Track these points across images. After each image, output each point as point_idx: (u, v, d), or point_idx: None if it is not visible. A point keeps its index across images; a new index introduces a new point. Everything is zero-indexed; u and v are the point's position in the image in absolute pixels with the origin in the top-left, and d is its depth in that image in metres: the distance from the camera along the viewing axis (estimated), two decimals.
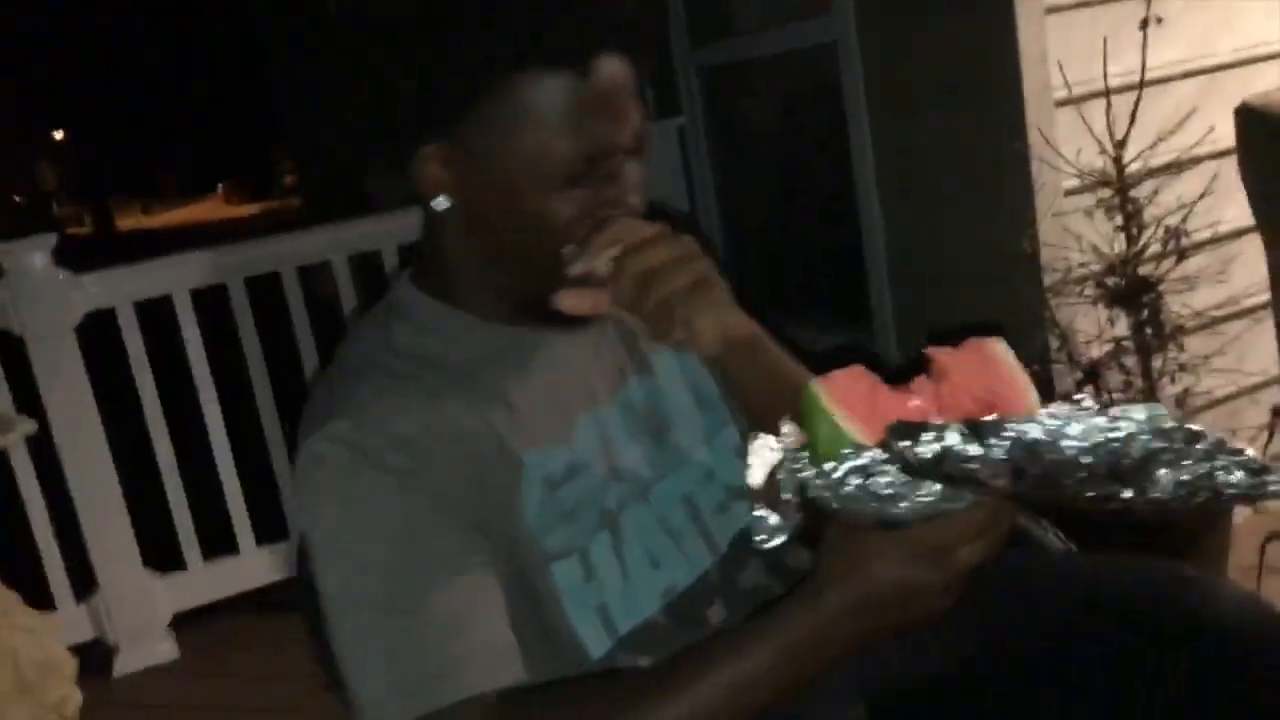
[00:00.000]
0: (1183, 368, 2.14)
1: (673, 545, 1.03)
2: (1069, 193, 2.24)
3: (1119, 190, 2.10)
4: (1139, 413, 0.66)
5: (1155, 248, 2.12)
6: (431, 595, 0.88)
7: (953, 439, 0.68)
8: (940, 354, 0.77)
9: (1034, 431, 0.66)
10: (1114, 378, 2.17)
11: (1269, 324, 2.12)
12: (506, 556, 0.94)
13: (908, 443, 0.69)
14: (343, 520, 0.92)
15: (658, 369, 1.09)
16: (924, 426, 0.69)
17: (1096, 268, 2.14)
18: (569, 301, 0.93)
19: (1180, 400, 2.16)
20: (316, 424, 0.94)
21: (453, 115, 0.92)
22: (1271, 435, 1.93)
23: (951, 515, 0.73)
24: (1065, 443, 0.66)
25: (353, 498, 0.92)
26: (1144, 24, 2.01)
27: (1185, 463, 0.65)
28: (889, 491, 0.71)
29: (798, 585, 0.83)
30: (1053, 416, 0.67)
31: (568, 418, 1.01)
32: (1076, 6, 2.25)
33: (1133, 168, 2.11)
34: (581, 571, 0.98)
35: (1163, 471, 0.65)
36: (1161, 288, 2.11)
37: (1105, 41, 2.09)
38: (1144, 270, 2.11)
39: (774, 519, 0.76)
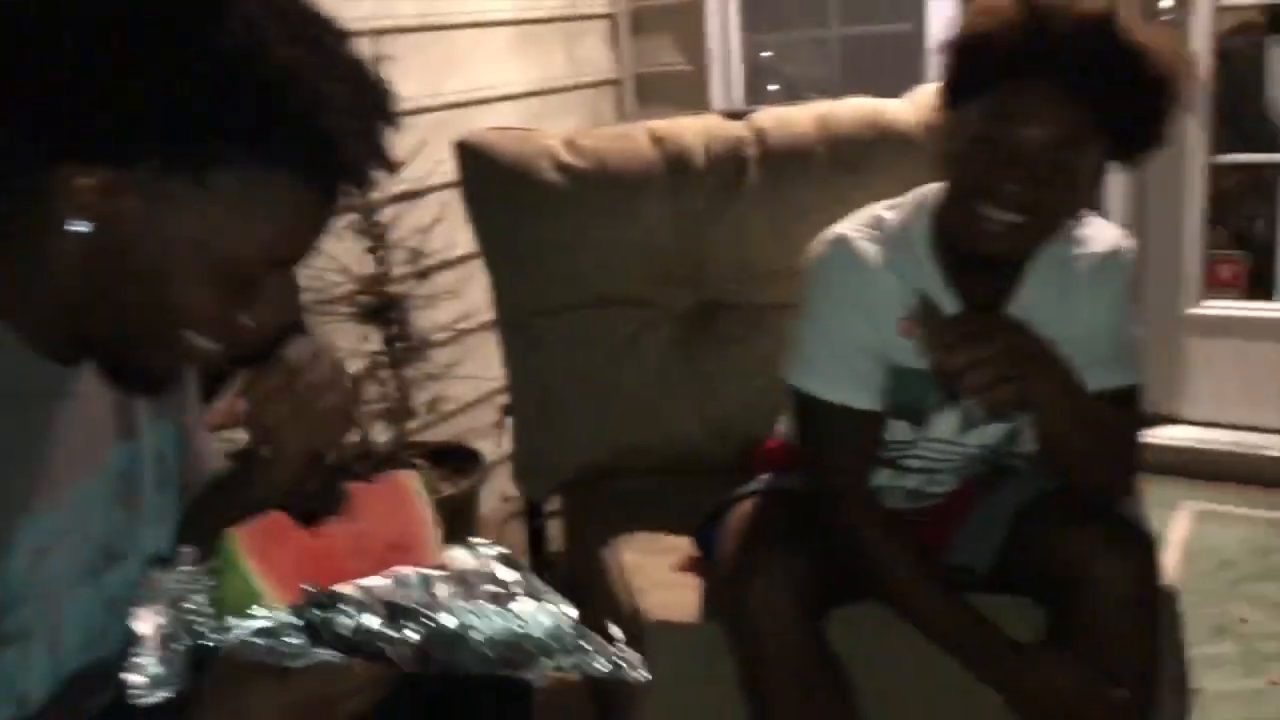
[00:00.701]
0: (431, 377, 2.35)
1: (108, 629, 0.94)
2: None
3: (364, 214, 2.24)
4: (545, 619, 0.73)
5: (401, 268, 2.30)
6: None
7: (369, 621, 0.70)
8: (357, 490, 0.80)
9: (448, 623, 0.71)
10: (372, 389, 2.32)
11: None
12: None
13: (320, 613, 0.70)
14: None
15: (144, 435, 0.97)
16: (341, 598, 0.71)
17: (350, 287, 2.27)
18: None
19: (431, 406, 2.37)
20: None
21: (169, 159, 0.76)
22: (503, 430, 2.21)
23: (338, 670, 0.72)
24: (473, 636, 0.71)
25: None
26: (375, 61, 2.16)
27: (565, 656, 0.73)
28: (288, 652, 0.71)
29: None
30: (467, 608, 0.72)
31: (61, 480, 0.87)
32: None
33: (377, 194, 2.27)
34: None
35: (546, 661, 0.73)
36: (408, 305, 2.30)
37: None
38: (392, 289, 2.29)
39: (155, 668, 0.70)
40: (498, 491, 2.73)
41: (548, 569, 2.00)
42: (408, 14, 2.59)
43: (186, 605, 0.73)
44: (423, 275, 2.32)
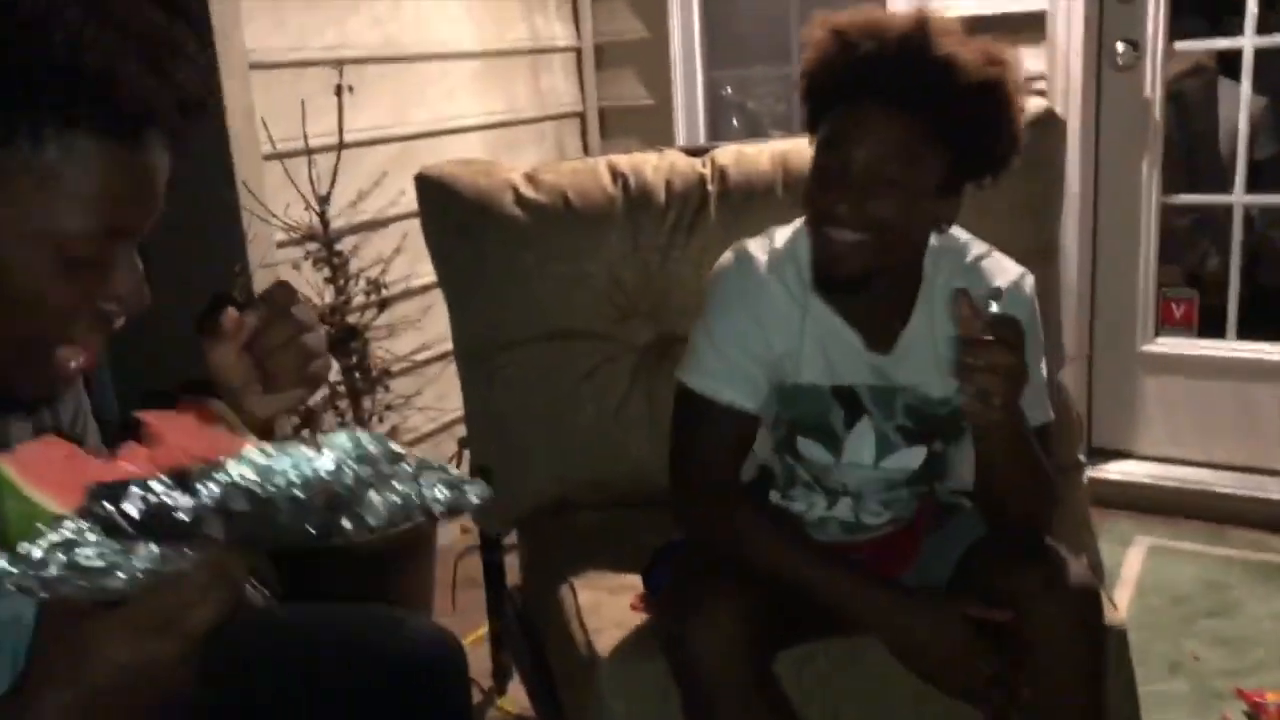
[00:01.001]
0: (390, 407, 2.34)
1: None
2: (280, 245, 2.33)
3: (325, 244, 2.24)
4: (343, 440, 0.68)
5: (360, 298, 2.29)
6: None
7: (159, 489, 0.64)
8: (151, 417, 0.74)
9: (243, 470, 0.65)
10: (329, 420, 2.30)
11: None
12: None
13: (110, 504, 0.64)
14: None
15: None
16: (126, 484, 0.64)
17: None
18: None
19: (389, 436, 2.35)
20: None
21: None
22: (459, 464, 2.20)
23: (175, 579, 0.67)
24: (275, 479, 0.65)
25: None
26: (338, 90, 2.17)
27: (395, 484, 0.68)
28: (100, 564, 0.63)
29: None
30: (262, 453, 0.66)
31: None
32: (279, 66, 2.35)
33: (337, 223, 2.26)
34: None
35: (374, 495, 0.68)
36: (368, 335, 2.29)
37: (303, 103, 2.22)
38: (352, 319, 2.28)
39: None
40: (456, 524, 2.71)
41: (505, 603, 1.98)
42: (372, 44, 2.59)
43: None
44: (383, 305, 2.31)
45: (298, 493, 0.66)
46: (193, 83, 0.80)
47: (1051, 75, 2.76)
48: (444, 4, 2.82)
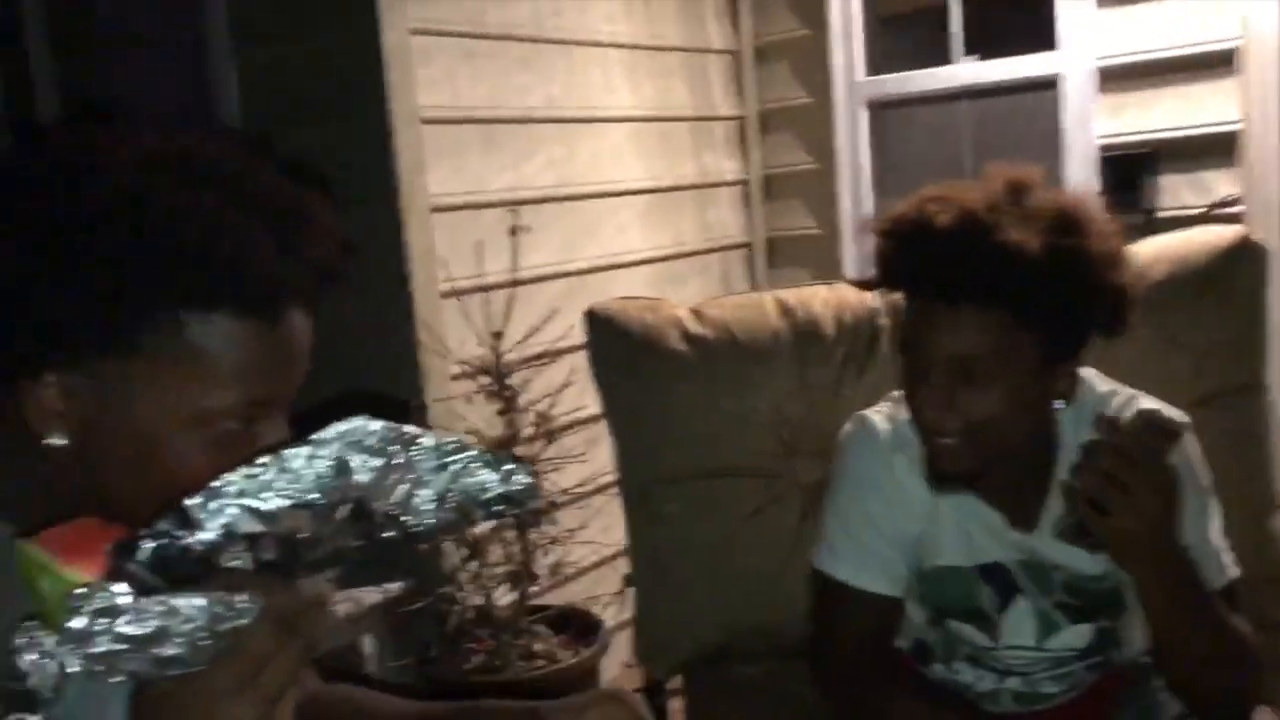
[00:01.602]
0: (554, 540, 2.33)
1: None
2: (454, 378, 2.39)
3: (497, 378, 2.28)
4: (335, 432, 0.65)
5: (529, 430, 2.32)
6: None
7: (167, 529, 0.63)
8: None
9: (241, 488, 0.64)
10: (496, 552, 2.31)
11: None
12: None
13: (129, 559, 0.62)
14: None
15: None
16: (137, 536, 0.63)
17: None
18: None
19: (554, 570, 2.35)
20: None
21: (101, 345, 0.75)
22: (624, 600, 2.16)
23: (239, 636, 0.63)
24: (278, 491, 0.63)
25: None
26: (513, 231, 2.24)
27: (423, 475, 0.66)
28: (148, 630, 0.60)
29: None
30: (254, 468, 0.64)
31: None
32: (458, 209, 2.45)
33: (509, 358, 2.31)
34: None
35: (403, 489, 0.65)
36: (536, 467, 2.31)
37: (481, 244, 2.30)
38: (520, 451, 2.30)
39: None
40: (619, 659, 2.66)
41: None
42: (545, 184, 2.69)
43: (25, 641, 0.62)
44: (550, 438, 2.32)
45: (312, 498, 0.63)
46: (326, 255, 0.82)
47: (1248, 197, 2.61)
48: (616, 144, 2.91)
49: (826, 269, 3.21)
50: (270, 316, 0.80)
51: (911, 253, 1.17)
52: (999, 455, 1.21)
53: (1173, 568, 1.11)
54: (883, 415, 1.35)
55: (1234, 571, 1.28)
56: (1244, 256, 1.72)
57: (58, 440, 0.79)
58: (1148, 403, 1.30)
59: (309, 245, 0.81)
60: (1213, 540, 1.27)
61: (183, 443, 0.79)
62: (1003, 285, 1.12)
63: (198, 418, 0.79)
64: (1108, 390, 1.31)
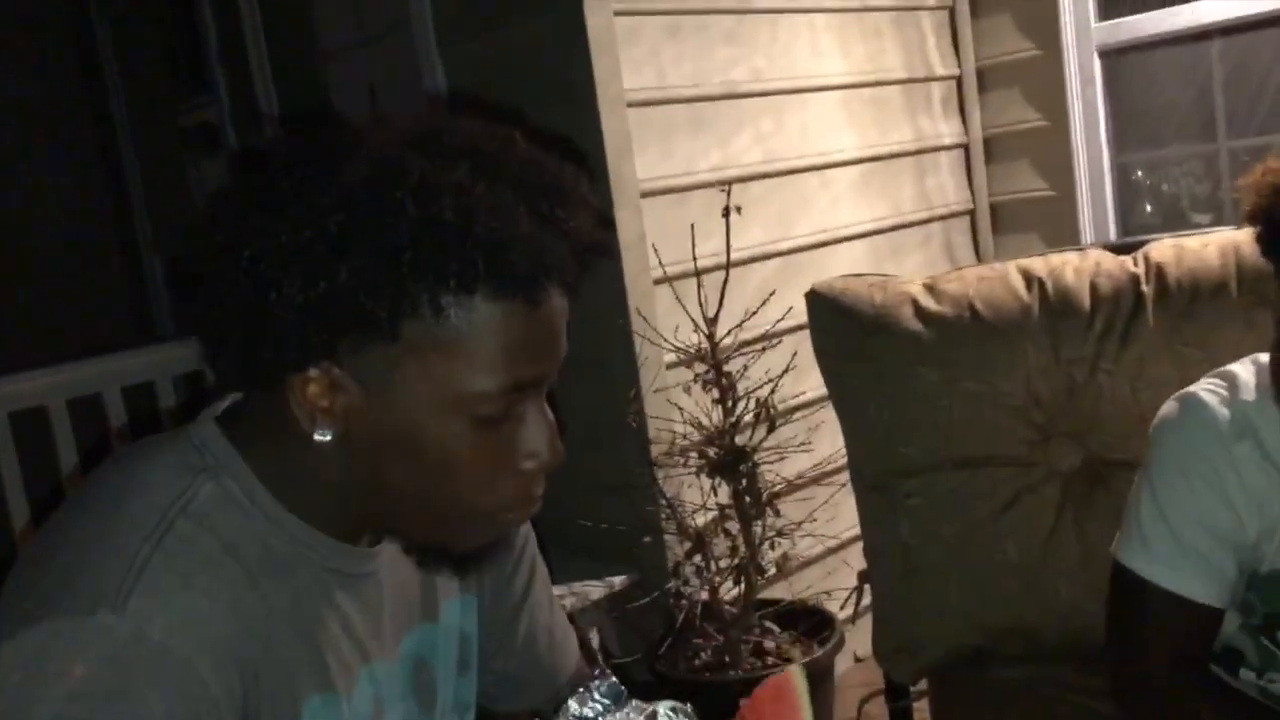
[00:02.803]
0: (780, 533, 2.23)
1: None
2: (669, 366, 2.32)
3: (714, 365, 2.20)
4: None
5: (748, 418, 2.22)
6: None
7: None
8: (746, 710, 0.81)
9: None
10: (720, 544, 2.23)
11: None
12: None
13: None
14: None
15: (442, 616, 0.96)
16: None
17: (697, 438, 2.22)
18: None
19: (780, 564, 2.25)
20: (81, 601, 0.71)
21: (363, 333, 0.75)
22: (860, 597, 2.04)
23: None
24: None
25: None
26: (725, 212, 2.15)
27: None
28: None
29: None
30: None
31: (354, 665, 0.86)
32: (667, 192, 2.38)
33: (724, 343, 2.22)
34: None
35: None
36: (756, 456, 2.21)
37: (693, 227, 2.22)
38: (740, 440, 2.21)
39: None
40: (849, 653, 2.55)
41: None
42: (754, 161, 2.58)
43: None
44: (771, 426, 2.23)
45: None
46: (586, 229, 0.78)
47: None
48: (826, 114, 2.77)
49: (1059, 233, 2.97)
50: (531, 297, 0.76)
51: None
52: None
53: None
54: (1219, 396, 1.17)
55: None
56: None
57: (323, 435, 0.78)
58: None
59: (568, 221, 0.77)
60: None
61: (446, 428, 0.78)
62: None
63: (461, 403, 0.77)
64: None
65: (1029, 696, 1.53)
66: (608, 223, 0.79)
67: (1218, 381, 1.18)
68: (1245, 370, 1.17)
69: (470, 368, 0.76)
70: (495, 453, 0.80)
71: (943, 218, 3.10)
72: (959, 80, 3.13)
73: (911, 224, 3.00)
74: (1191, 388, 1.19)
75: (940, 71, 3.09)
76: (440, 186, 0.72)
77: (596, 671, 0.91)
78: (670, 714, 0.79)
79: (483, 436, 0.78)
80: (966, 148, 3.15)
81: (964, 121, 3.14)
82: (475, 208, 0.72)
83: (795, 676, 0.82)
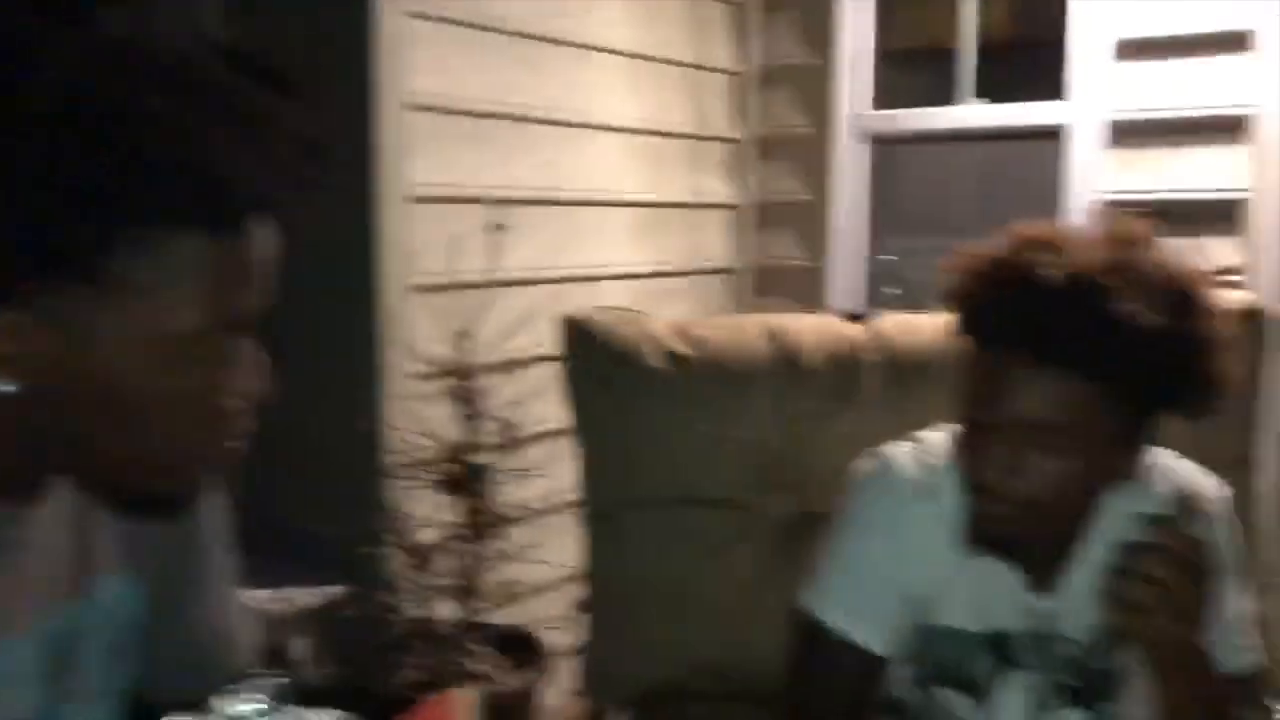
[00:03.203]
0: (506, 557, 2.22)
1: None
2: (418, 377, 2.28)
3: (463, 380, 2.18)
4: None
5: (491, 439, 2.21)
6: None
7: None
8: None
9: None
10: (444, 563, 2.20)
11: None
12: None
13: None
14: None
15: (97, 593, 0.87)
16: None
17: (436, 452, 2.18)
18: None
19: (503, 587, 2.23)
20: None
21: (48, 275, 0.66)
22: (576, 625, 2.05)
23: None
24: None
25: None
26: (493, 228, 2.14)
27: None
28: None
29: None
30: None
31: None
32: (440, 201, 2.35)
33: (477, 361, 2.20)
34: None
35: None
36: (494, 478, 2.20)
37: (460, 240, 2.20)
38: (479, 459, 2.19)
39: None
40: (564, 685, 2.55)
41: None
42: (534, 185, 2.59)
43: None
44: (511, 448, 2.22)
45: None
46: (292, 160, 0.73)
47: (1250, 267, 2.56)
48: (610, 154, 2.82)
49: (812, 302, 3.13)
50: (232, 230, 0.72)
51: (1010, 303, 1.06)
52: (1046, 527, 1.13)
53: (1199, 664, 1.03)
54: (910, 458, 1.24)
55: (1256, 657, 1.19)
56: (1250, 326, 1.65)
57: (6, 387, 0.70)
58: (1185, 468, 1.22)
59: (272, 150, 0.72)
60: (1235, 622, 1.19)
61: (147, 369, 0.72)
62: (1106, 358, 1.02)
63: (162, 342, 0.72)
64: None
65: None
66: (321, 152, 0.74)
67: (912, 445, 1.26)
68: (939, 437, 1.25)
69: (171, 307, 0.71)
70: (200, 392, 0.75)
71: (710, 271, 3.21)
72: (739, 145, 3.26)
73: (680, 273, 3.09)
74: (887, 446, 1.27)
75: (723, 133, 3.21)
76: (136, 114, 0.67)
77: (268, 673, 0.86)
78: None
79: (186, 375, 0.74)
80: (739, 209, 3.28)
81: (740, 184, 3.27)
82: (173, 137, 0.67)
83: (458, 700, 0.80)
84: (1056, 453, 1.05)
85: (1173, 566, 0.95)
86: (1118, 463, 1.11)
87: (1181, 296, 1.05)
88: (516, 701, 2.17)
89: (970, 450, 1.11)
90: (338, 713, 0.79)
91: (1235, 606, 1.16)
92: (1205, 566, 0.97)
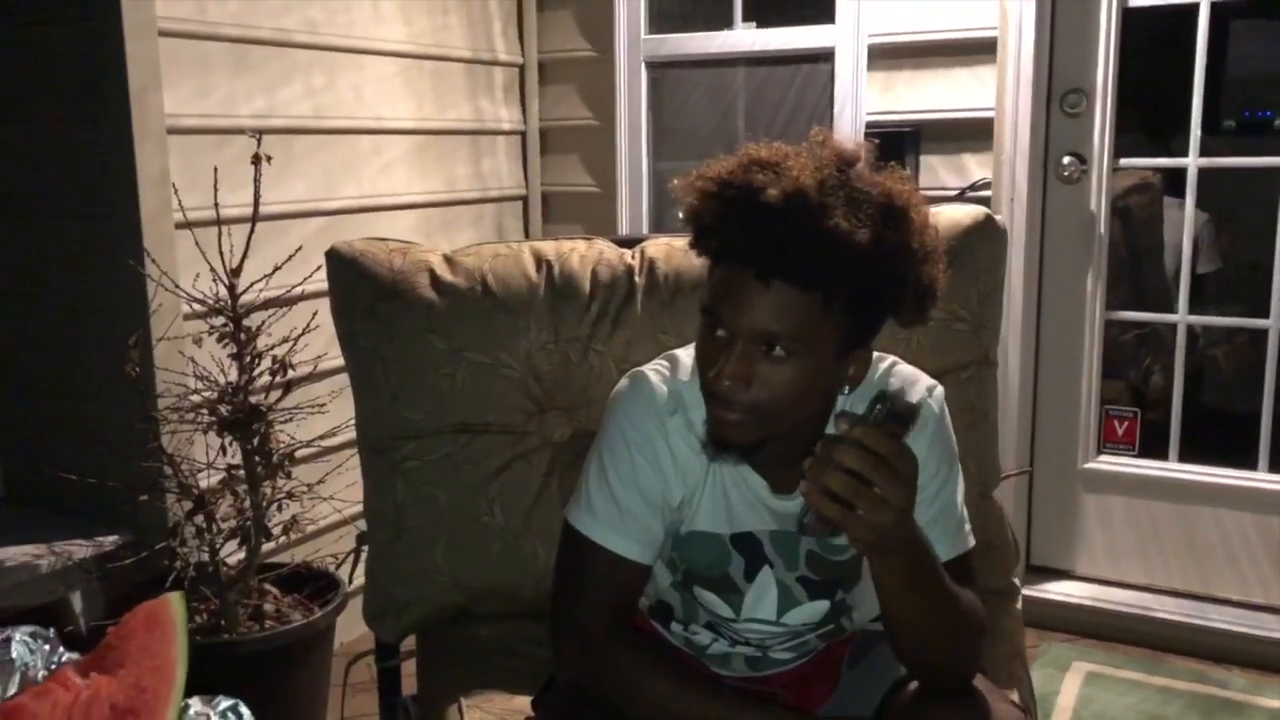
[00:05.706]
0: (290, 495, 2.19)
1: None
2: (186, 318, 2.20)
3: (232, 318, 2.11)
4: None
5: (266, 378, 2.15)
6: None
7: None
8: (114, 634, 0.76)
9: None
10: (225, 506, 2.15)
11: None
12: None
13: None
14: None
15: None
16: None
17: (210, 395, 2.11)
18: None
19: (288, 527, 2.20)
20: None
21: None
22: (356, 561, 2.05)
23: None
24: None
25: None
26: (255, 160, 2.06)
27: None
28: None
29: None
30: None
31: None
32: (199, 132, 2.25)
33: (246, 298, 2.13)
34: None
35: None
36: (271, 417, 2.15)
37: (216, 170, 2.11)
38: (255, 399, 2.14)
39: None
40: (359, 621, 2.54)
41: (399, 715, 1.82)
42: (302, 114, 2.50)
43: None
44: (288, 387, 2.17)
45: None
46: None
47: (998, 182, 2.73)
48: (383, 79, 2.75)
49: (601, 227, 3.17)
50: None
51: (734, 223, 1.11)
52: (781, 430, 1.19)
53: (912, 554, 1.10)
54: (660, 375, 1.30)
55: (970, 541, 1.30)
56: (985, 236, 1.77)
57: None
58: (902, 371, 1.31)
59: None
60: (958, 509, 1.29)
61: None
62: (823, 271, 1.09)
63: None
64: (874, 354, 1.28)
65: (503, 651, 1.62)
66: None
67: (663, 362, 1.32)
68: (686, 354, 1.31)
69: None
70: None
71: (496, 200, 3.19)
72: (521, 69, 3.23)
73: (465, 202, 3.06)
74: (641, 367, 1.32)
75: (504, 57, 3.17)
76: None
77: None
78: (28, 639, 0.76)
79: None
80: (524, 135, 3.27)
81: (524, 110, 3.25)
82: None
83: (172, 603, 0.80)
84: (783, 361, 1.12)
85: (866, 458, 1.02)
86: (842, 368, 1.19)
87: (892, 211, 1.12)
88: (311, 640, 2.16)
89: (706, 361, 1.16)
90: (31, 627, 0.79)
91: (945, 494, 1.26)
92: (899, 459, 1.04)
